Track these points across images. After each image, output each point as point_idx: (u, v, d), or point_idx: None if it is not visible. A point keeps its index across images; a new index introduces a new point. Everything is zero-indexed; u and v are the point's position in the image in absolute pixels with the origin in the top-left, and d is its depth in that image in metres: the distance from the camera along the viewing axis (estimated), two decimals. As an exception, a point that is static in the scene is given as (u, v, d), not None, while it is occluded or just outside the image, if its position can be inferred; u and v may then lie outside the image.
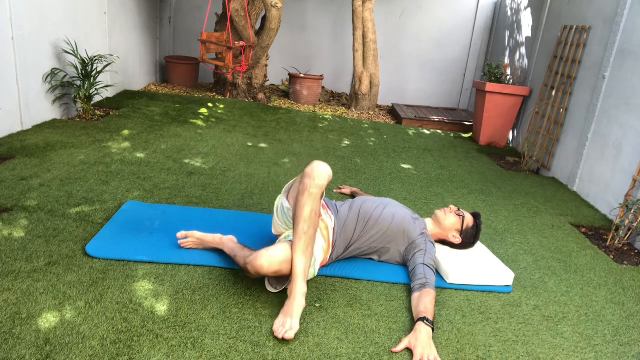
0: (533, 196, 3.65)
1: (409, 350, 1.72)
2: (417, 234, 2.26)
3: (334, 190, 3.22)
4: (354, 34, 6.13)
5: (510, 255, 2.60)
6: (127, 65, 5.52)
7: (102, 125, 3.99)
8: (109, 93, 4.99)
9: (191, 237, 2.17)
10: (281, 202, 2.04)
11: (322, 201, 2.23)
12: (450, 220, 2.35)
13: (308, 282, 2.05)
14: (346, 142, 4.58)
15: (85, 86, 4.04)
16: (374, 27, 6.16)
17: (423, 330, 1.75)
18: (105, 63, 4.60)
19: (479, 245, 2.47)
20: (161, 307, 1.78)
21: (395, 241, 2.24)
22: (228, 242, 2.12)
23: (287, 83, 7.17)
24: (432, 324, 1.79)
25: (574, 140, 4.07)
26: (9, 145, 3.23)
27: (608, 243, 2.89)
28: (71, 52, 4.04)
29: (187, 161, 3.43)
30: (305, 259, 1.80)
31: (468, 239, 2.36)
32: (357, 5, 6.00)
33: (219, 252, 2.18)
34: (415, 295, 1.97)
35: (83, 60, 4.00)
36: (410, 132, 5.41)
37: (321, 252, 2.04)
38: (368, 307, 1.95)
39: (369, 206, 2.25)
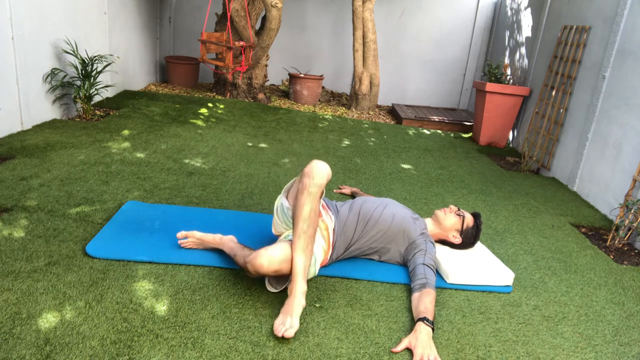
0: (533, 196, 3.65)
1: (409, 350, 1.72)
2: (417, 234, 2.26)
3: (334, 191, 3.22)
4: (354, 34, 6.14)
5: (510, 255, 2.60)
6: (127, 65, 5.52)
7: (102, 125, 3.99)
8: (109, 93, 4.99)
9: (191, 237, 2.17)
10: (281, 202, 2.04)
11: (322, 201, 2.23)
12: (450, 220, 2.35)
13: (308, 281, 2.05)
14: (346, 142, 4.58)
15: (85, 86, 4.04)
16: (374, 27, 6.16)
17: (423, 330, 1.75)
18: (105, 63, 4.60)
19: (479, 245, 2.47)
20: (161, 307, 1.78)
21: (396, 241, 2.24)
22: (228, 242, 2.12)
23: (287, 83, 7.17)
24: (432, 324, 1.79)
25: (574, 140, 4.07)
26: (9, 145, 3.23)
27: (608, 243, 2.89)
28: (71, 52, 4.04)
29: (187, 161, 3.43)
30: (305, 258, 1.80)
31: (468, 239, 2.36)
32: (357, 5, 6.00)
33: (219, 252, 2.18)
34: (415, 295, 1.97)
35: (83, 60, 4.00)
36: (410, 132, 5.41)
37: (321, 252, 2.04)
38: (368, 307, 1.95)
39: (369, 206, 2.25)
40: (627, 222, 2.89)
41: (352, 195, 3.12)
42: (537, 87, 5.00)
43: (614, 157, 3.49)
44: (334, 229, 2.17)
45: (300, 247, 1.80)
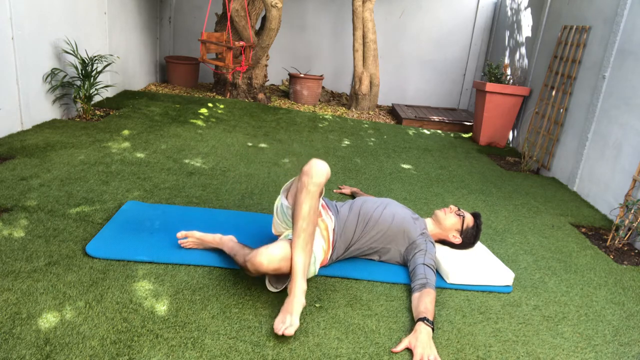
0: (533, 196, 3.65)
1: (409, 350, 1.72)
2: (417, 234, 2.26)
3: (334, 191, 3.22)
4: (354, 34, 6.14)
5: (510, 255, 2.60)
6: (127, 65, 5.52)
7: (102, 125, 3.99)
8: (109, 93, 4.99)
9: (191, 237, 2.17)
10: (281, 201, 2.04)
11: (322, 201, 2.23)
12: (450, 220, 2.35)
13: (308, 281, 2.05)
14: (346, 142, 4.58)
15: (85, 86, 4.04)
16: (374, 27, 6.16)
17: (423, 331, 1.75)
18: (105, 63, 4.60)
19: (479, 245, 2.47)
20: (161, 307, 1.78)
21: (396, 241, 2.24)
22: (228, 241, 2.12)
23: (287, 83, 7.17)
24: (432, 324, 1.79)
25: (574, 140, 4.07)
26: (9, 145, 3.23)
27: (608, 243, 2.89)
28: (71, 52, 4.04)
29: (187, 161, 3.43)
30: (304, 256, 1.80)
31: (468, 239, 2.36)
32: (357, 5, 6.00)
33: (219, 252, 2.18)
34: (415, 295, 1.97)
35: (83, 60, 4.00)
36: (410, 132, 5.41)
37: (321, 252, 2.04)
38: (368, 307, 1.95)
39: (369, 207, 2.25)
40: (627, 222, 2.89)
41: (352, 196, 3.12)
42: (537, 87, 5.00)
43: (614, 157, 3.49)
44: (333, 229, 2.17)
45: (299, 245, 1.80)
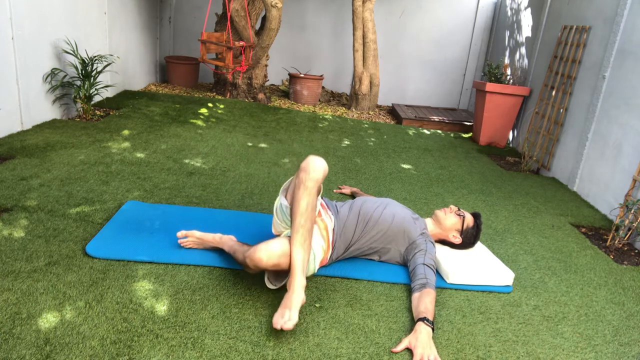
0: (533, 196, 3.65)
1: (409, 350, 1.72)
2: (417, 234, 2.25)
3: (334, 191, 3.22)
4: (354, 34, 6.14)
5: (510, 255, 2.60)
6: (127, 65, 5.52)
7: (102, 125, 3.99)
8: (109, 93, 4.99)
9: (191, 236, 2.17)
10: (280, 201, 2.04)
11: (322, 201, 2.23)
12: (450, 220, 2.35)
13: (308, 281, 2.05)
14: (346, 142, 4.58)
15: (85, 86, 4.04)
16: (374, 27, 6.16)
17: (423, 331, 1.75)
18: (105, 63, 4.60)
19: (479, 245, 2.47)
20: (161, 307, 1.78)
21: (396, 241, 2.24)
22: (228, 240, 2.13)
23: (287, 83, 7.17)
24: (432, 324, 1.79)
25: (574, 140, 4.07)
26: (9, 145, 3.23)
27: (608, 243, 2.89)
28: (71, 52, 4.04)
29: (187, 161, 3.43)
30: (303, 252, 1.80)
31: (468, 239, 2.36)
32: (357, 5, 6.00)
33: (219, 252, 2.18)
34: (415, 295, 1.97)
35: (83, 60, 4.00)
36: (410, 132, 5.41)
37: (320, 252, 2.04)
38: (368, 307, 1.95)
39: (369, 207, 2.25)
40: (627, 222, 2.89)
41: (352, 196, 3.12)
42: (537, 87, 5.00)
43: (614, 157, 3.49)
44: (333, 229, 2.17)
45: (298, 241, 1.80)
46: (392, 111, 6.67)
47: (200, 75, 7.03)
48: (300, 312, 1.84)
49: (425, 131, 5.62)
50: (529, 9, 5.56)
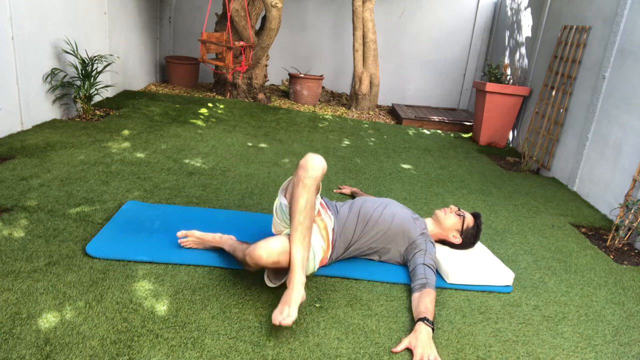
0: (533, 196, 3.65)
1: (409, 350, 1.72)
2: (417, 234, 2.25)
3: (334, 190, 3.22)
4: (354, 34, 6.14)
5: (510, 255, 2.60)
6: (127, 65, 5.52)
7: (102, 125, 3.99)
8: (109, 93, 4.99)
9: (191, 236, 2.17)
10: (280, 201, 2.04)
11: (322, 201, 2.23)
12: (450, 220, 2.35)
13: (308, 281, 2.05)
14: (346, 142, 4.58)
15: (85, 86, 4.04)
16: (374, 27, 6.16)
17: (423, 331, 1.75)
18: (105, 63, 4.60)
19: (479, 245, 2.47)
20: (161, 307, 1.78)
21: (396, 241, 2.24)
22: (228, 239, 2.13)
23: (287, 83, 7.17)
24: (432, 324, 1.79)
25: (574, 140, 4.07)
26: (9, 145, 3.23)
27: (608, 243, 2.89)
28: (71, 52, 4.04)
29: (187, 161, 3.43)
30: (302, 250, 1.80)
31: (468, 239, 2.36)
32: (357, 5, 6.00)
33: (219, 252, 2.18)
34: (415, 296, 1.97)
35: (83, 60, 4.00)
36: (410, 132, 5.41)
37: (320, 251, 2.04)
38: (368, 307, 1.95)
39: (369, 207, 2.25)
40: (627, 222, 2.89)
41: (352, 196, 3.12)
42: (537, 87, 5.00)
43: (614, 157, 3.49)
44: (333, 229, 2.17)
45: (297, 239, 1.80)
46: (392, 111, 6.67)
47: (200, 75, 7.03)
48: (300, 312, 1.84)
49: (425, 131, 5.62)
50: (529, 9, 5.56)
